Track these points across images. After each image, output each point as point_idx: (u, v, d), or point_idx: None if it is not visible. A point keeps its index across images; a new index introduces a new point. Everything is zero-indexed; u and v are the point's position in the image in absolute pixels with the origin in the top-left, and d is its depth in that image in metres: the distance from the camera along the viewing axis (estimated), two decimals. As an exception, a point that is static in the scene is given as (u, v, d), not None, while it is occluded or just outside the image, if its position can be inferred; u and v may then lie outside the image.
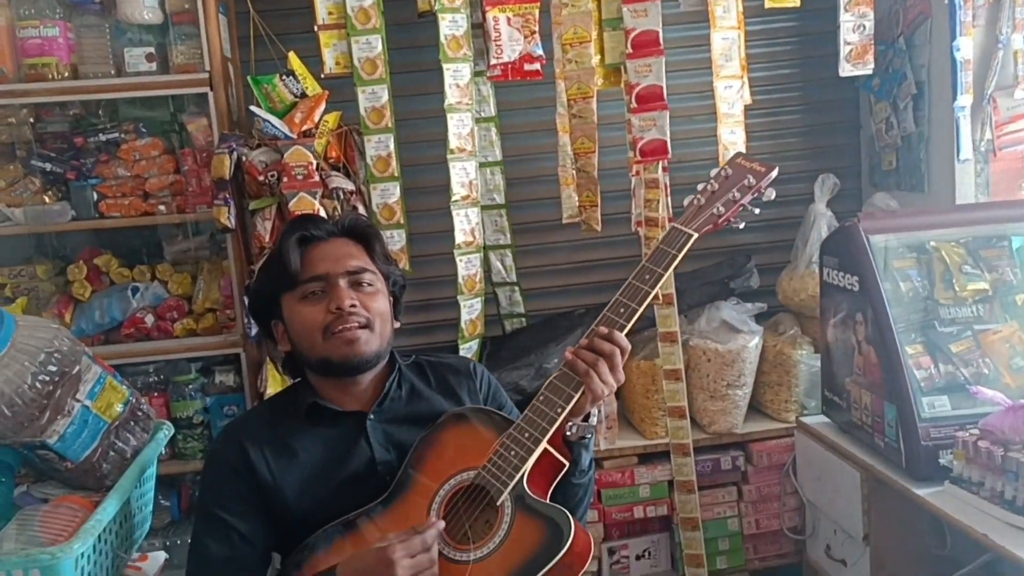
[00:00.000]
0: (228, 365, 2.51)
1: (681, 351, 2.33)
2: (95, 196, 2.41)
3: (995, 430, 1.69)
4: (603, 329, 1.33)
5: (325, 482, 1.39)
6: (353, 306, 1.39)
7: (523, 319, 2.74)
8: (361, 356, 1.40)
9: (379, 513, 1.36)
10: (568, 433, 1.37)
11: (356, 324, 1.39)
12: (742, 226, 1.43)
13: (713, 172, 1.43)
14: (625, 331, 1.34)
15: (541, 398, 1.34)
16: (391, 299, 1.50)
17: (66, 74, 2.34)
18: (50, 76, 2.32)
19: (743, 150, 2.45)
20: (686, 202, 1.42)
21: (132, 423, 1.58)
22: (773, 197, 1.39)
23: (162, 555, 1.71)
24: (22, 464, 1.49)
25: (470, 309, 2.39)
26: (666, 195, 2.35)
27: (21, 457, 1.47)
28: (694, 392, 2.45)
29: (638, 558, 2.48)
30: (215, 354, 2.49)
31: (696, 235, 1.37)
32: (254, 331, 2.35)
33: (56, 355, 1.42)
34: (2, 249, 2.52)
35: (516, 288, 2.71)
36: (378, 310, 1.43)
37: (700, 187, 1.42)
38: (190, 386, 2.51)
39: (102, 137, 2.41)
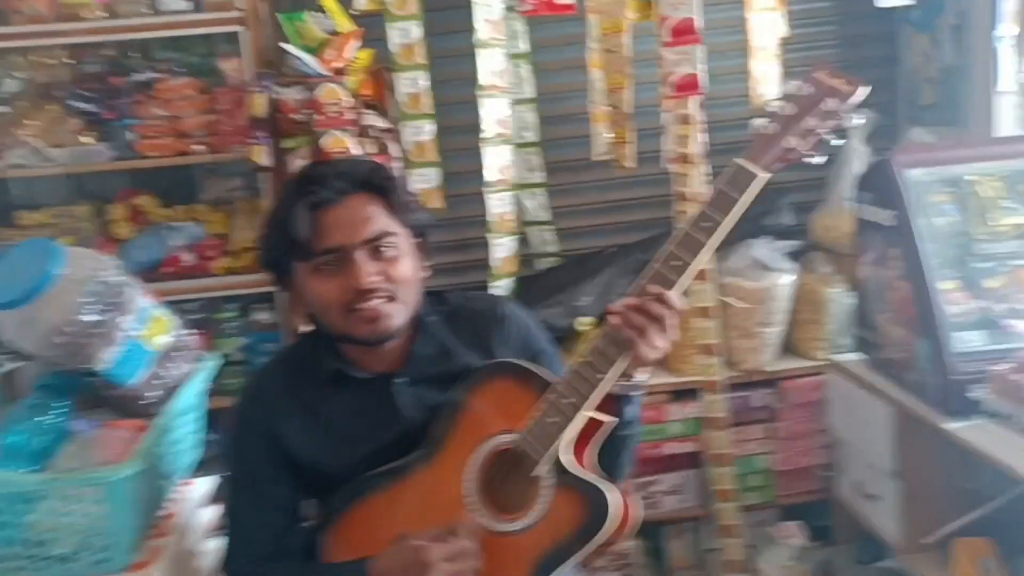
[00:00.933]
0: (265, 303, 2.56)
1: (712, 290, 2.34)
2: (132, 136, 2.45)
3: (1029, 363, 1.70)
4: (654, 289, 1.20)
5: (359, 450, 1.36)
6: (373, 282, 1.29)
7: (555, 259, 2.76)
8: (386, 332, 1.32)
9: (413, 472, 1.33)
10: (612, 391, 1.28)
11: (380, 300, 1.30)
12: (821, 161, 1.21)
13: (790, 87, 1.22)
14: (679, 288, 1.21)
15: (583, 361, 1.24)
16: (417, 243, 1.38)
17: (103, 14, 2.36)
18: (85, 16, 2.35)
19: (776, 86, 2.43)
20: (754, 126, 1.21)
21: (178, 353, 1.63)
22: (861, 124, 1.27)
23: (209, 481, 1.78)
24: (76, 391, 1.56)
25: (501, 247, 2.41)
26: (699, 131, 2.33)
27: (75, 384, 1.53)
28: (725, 330, 2.46)
29: (668, 493, 2.53)
30: (253, 292, 2.54)
31: (766, 176, 1.18)
32: (290, 269, 2.40)
33: (104, 285, 1.47)
34: (43, 189, 2.58)
35: (549, 227, 2.73)
36: (403, 277, 1.32)
37: (773, 107, 1.21)
38: (230, 324, 2.58)
39: (138, 77, 2.44)
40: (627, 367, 1.24)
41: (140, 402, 1.54)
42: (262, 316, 2.57)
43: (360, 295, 1.28)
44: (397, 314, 1.32)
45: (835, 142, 1.19)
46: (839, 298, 2.42)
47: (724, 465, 2.39)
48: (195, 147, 2.46)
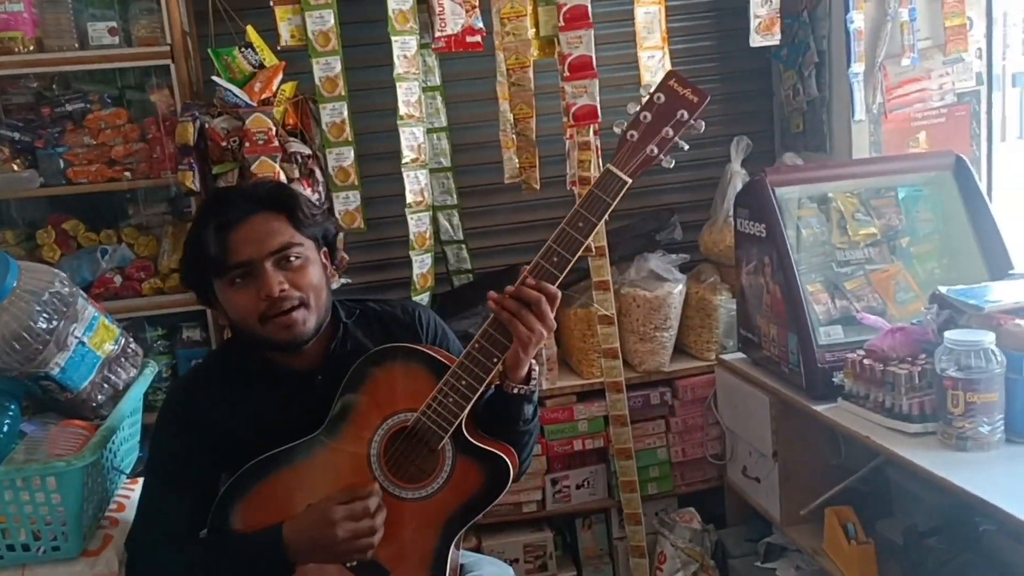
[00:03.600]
0: (194, 321, 2.67)
1: (613, 298, 2.57)
2: (62, 164, 2.54)
3: (877, 349, 1.97)
4: (531, 280, 1.34)
5: (283, 439, 1.44)
6: (283, 290, 1.39)
7: (470, 275, 2.96)
8: (301, 336, 1.42)
9: (318, 447, 1.42)
10: (511, 392, 1.42)
11: (290, 307, 1.39)
12: (672, 164, 1.37)
13: (646, 95, 1.36)
14: (558, 281, 1.36)
15: (477, 346, 1.37)
16: (325, 253, 1.50)
17: (31, 47, 2.46)
18: (16, 49, 2.44)
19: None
20: (617, 129, 1.36)
21: (123, 359, 1.76)
22: (702, 130, 1.36)
23: (150, 481, 1.90)
24: (24, 396, 1.66)
25: (421, 263, 2.59)
26: (597, 156, 2.58)
27: (24, 388, 1.64)
28: (625, 335, 2.69)
29: (578, 487, 2.72)
30: (181, 311, 2.65)
31: (630, 181, 1.35)
32: (219, 288, 2.53)
33: (57, 295, 1.59)
34: (-29, 215, 2.64)
35: (463, 246, 2.93)
36: (310, 284, 1.42)
37: (634, 112, 1.35)
38: (157, 342, 2.68)
39: (68, 107, 2.53)
40: (515, 352, 1.37)
41: (91, 404, 1.66)
42: (191, 334, 2.68)
43: (272, 303, 1.39)
44: (308, 319, 1.42)
45: (684, 146, 1.36)
46: (724, 304, 2.70)
47: (627, 459, 2.61)
48: (125, 174, 2.56)
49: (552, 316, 1.36)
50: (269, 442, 1.44)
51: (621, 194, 1.35)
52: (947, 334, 1.77)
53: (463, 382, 1.36)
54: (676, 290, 2.69)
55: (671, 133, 1.33)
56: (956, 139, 2.62)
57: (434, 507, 1.41)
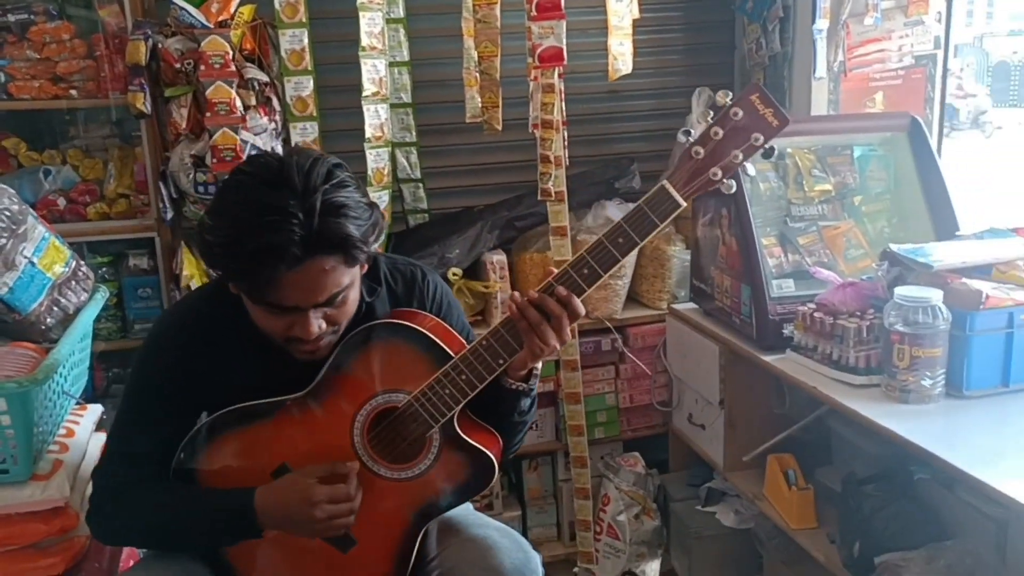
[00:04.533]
0: (142, 249, 2.60)
1: (570, 244, 2.58)
2: (3, 77, 2.42)
3: (828, 303, 2.02)
4: (562, 291, 1.26)
5: (268, 387, 1.38)
6: (320, 330, 1.30)
7: (426, 215, 2.93)
8: (319, 358, 1.35)
9: (302, 408, 1.37)
10: (508, 387, 1.37)
11: (320, 340, 1.32)
12: (732, 190, 1.22)
13: (721, 99, 1.21)
14: (584, 295, 1.28)
15: (485, 343, 1.31)
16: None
17: (-29, -48, 2.33)
18: (-47, -48, 2.31)
19: (630, 63, 2.69)
20: (681, 137, 1.22)
21: (74, 282, 1.71)
22: (773, 156, 1.20)
23: (99, 407, 1.86)
24: (-31, 316, 1.61)
25: (378, 200, 2.55)
26: (561, 100, 2.56)
27: (-31, 309, 1.58)
28: (580, 281, 2.71)
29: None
30: (129, 237, 2.57)
31: (684, 205, 1.23)
32: (169, 216, 2.46)
33: (6, 212, 1.53)
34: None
35: (420, 185, 2.89)
36: (348, 314, 1.34)
37: (708, 125, 1.20)
38: (102, 269, 2.60)
39: (10, 18, 2.41)
40: (523, 358, 1.32)
41: (39, 327, 1.62)
42: (138, 262, 2.61)
43: (304, 339, 1.30)
44: (333, 342, 1.35)
45: (750, 172, 1.24)
46: (678, 255, 2.73)
47: (576, 403, 2.65)
48: (71, 92, 2.46)
49: (569, 331, 1.29)
50: (256, 394, 1.39)
51: (672, 217, 1.23)
52: (897, 290, 1.82)
53: (463, 377, 1.31)
54: (632, 239, 2.70)
55: (740, 157, 1.19)
56: (911, 101, 2.65)
57: (410, 491, 1.38)
